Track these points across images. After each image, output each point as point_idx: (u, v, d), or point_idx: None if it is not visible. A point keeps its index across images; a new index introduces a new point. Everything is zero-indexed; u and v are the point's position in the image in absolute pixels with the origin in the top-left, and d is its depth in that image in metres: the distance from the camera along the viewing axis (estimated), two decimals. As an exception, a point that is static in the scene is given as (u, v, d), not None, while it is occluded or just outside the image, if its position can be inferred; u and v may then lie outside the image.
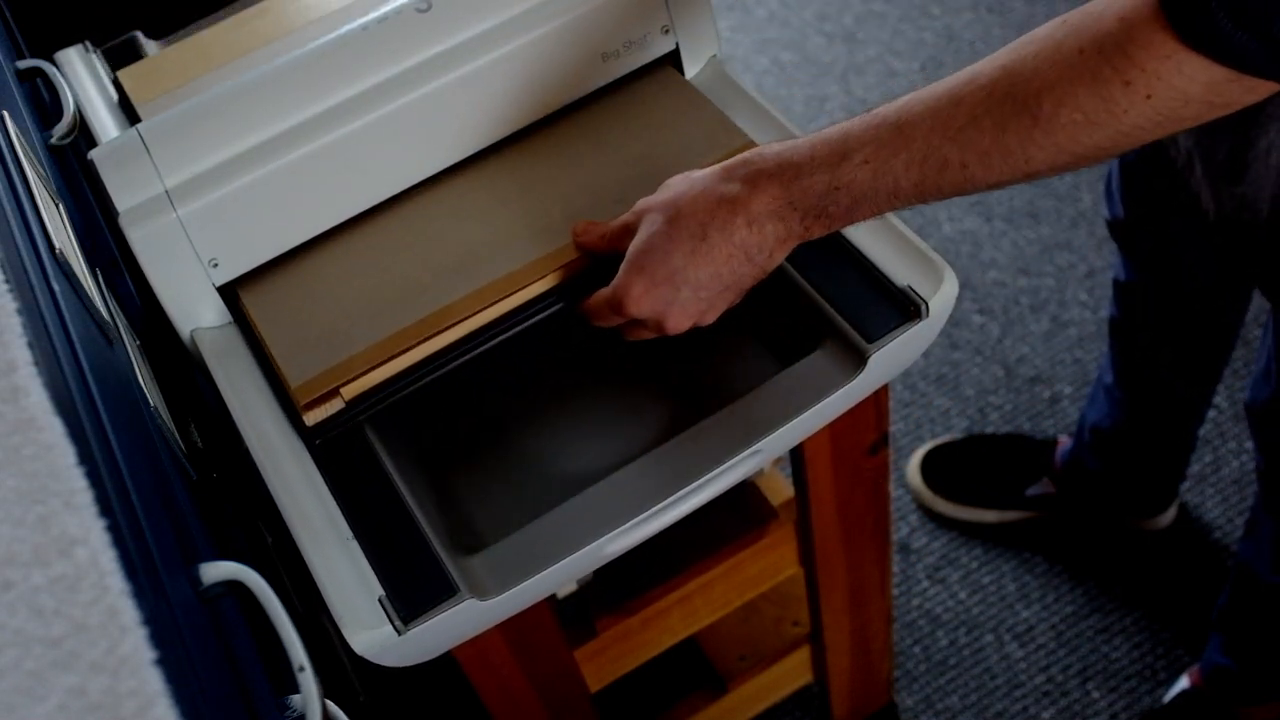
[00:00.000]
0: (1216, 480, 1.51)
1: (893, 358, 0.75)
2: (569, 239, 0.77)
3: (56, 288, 0.52)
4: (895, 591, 1.45)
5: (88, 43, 0.94)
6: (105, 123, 0.87)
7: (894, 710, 1.36)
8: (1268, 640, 1.24)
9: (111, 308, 0.69)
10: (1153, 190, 1.08)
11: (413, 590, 0.67)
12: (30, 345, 0.41)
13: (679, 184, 0.70)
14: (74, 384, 0.45)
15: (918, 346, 0.76)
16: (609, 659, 1.02)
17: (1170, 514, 1.47)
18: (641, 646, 1.03)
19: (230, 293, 0.80)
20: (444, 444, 0.84)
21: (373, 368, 0.74)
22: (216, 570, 0.50)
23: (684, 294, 0.69)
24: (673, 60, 0.87)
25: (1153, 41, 0.56)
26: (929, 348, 1.05)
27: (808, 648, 1.18)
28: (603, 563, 0.73)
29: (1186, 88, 0.57)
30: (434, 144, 0.82)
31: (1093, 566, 1.45)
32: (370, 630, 0.65)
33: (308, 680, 0.47)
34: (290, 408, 0.75)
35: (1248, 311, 1.24)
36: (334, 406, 0.74)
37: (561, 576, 0.70)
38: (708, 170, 0.69)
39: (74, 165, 0.85)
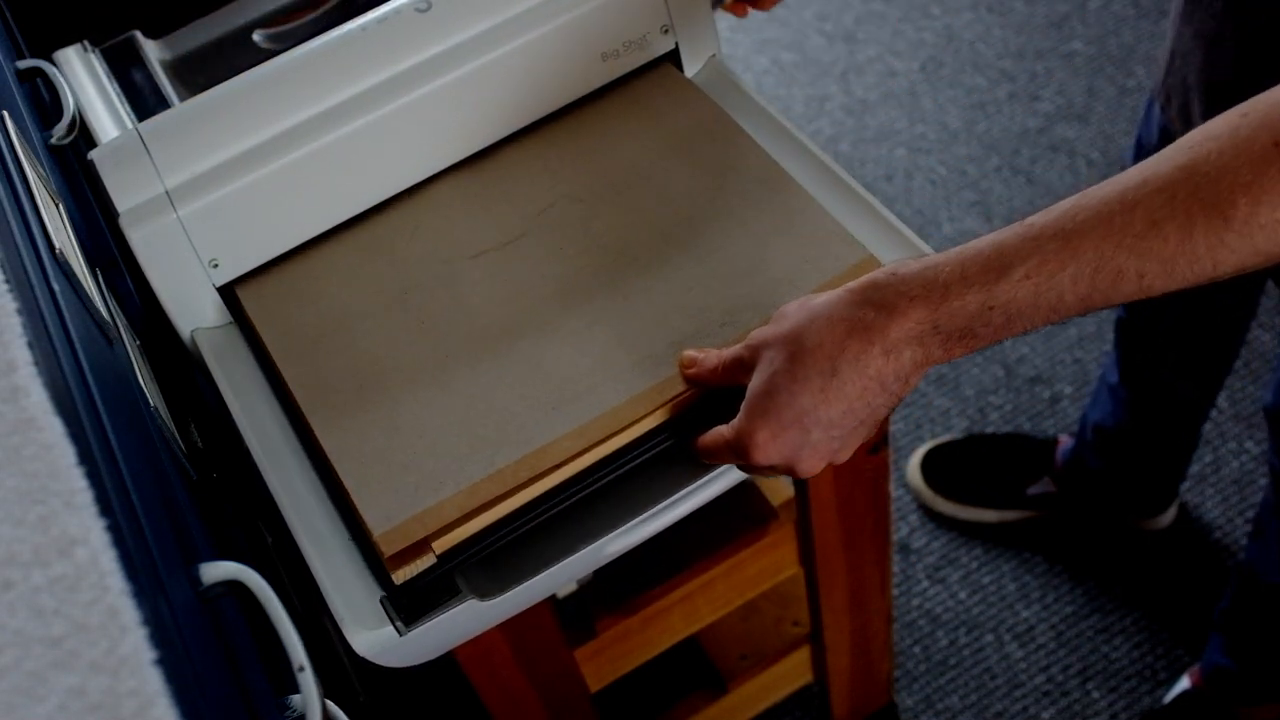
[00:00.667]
0: (1216, 480, 1.51)
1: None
2: (675, 369, 0.71)
3: (56, 288, 0.52)
4: (895, 591, 1.45)
5: (87, 42, 0.94)
6: (105, 123, 0.87)
7: (894, 710, 1.36)
8: (1270, 642, 1.24)
9: (111, 308, 0.69)
10: None
11: (414, 591, 0.67)
12: (30, 345, 0.40)
13: (798, 314, 0.63)
14: (74, 384, 0.45)
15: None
16: (609, 659, 1.02)
17: (1170, 514, 1.47)
18: (641, 646, 1.03)
19: (230, 293, 0.80)
20: None
21: (467, 516, 0.67)
22: (216, 570, 0.50)
23: (815, 436, 0.62)
24: (672, 60, 0.87)
25: None
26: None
27: (808, 648, 1.19)
28: (603, 563, 0.73)
29: None
30: (434, 144, 0.82)
31: (1093, 566, 1.45)
32: (371, 631, 0.65)
33: (308, 680, 0.47)
34: (291, 408, 0.75)
35: (1256, 315, 1.24)
36: (425, 562, 0.67)
37: (562, 577, 0.70)
38: (831, 296, 0.62)
39: (74, 165, 0.85)
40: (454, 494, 0.66)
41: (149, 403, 0.64)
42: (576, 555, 0.69)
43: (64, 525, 0.36)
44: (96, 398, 0.47)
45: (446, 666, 0.80)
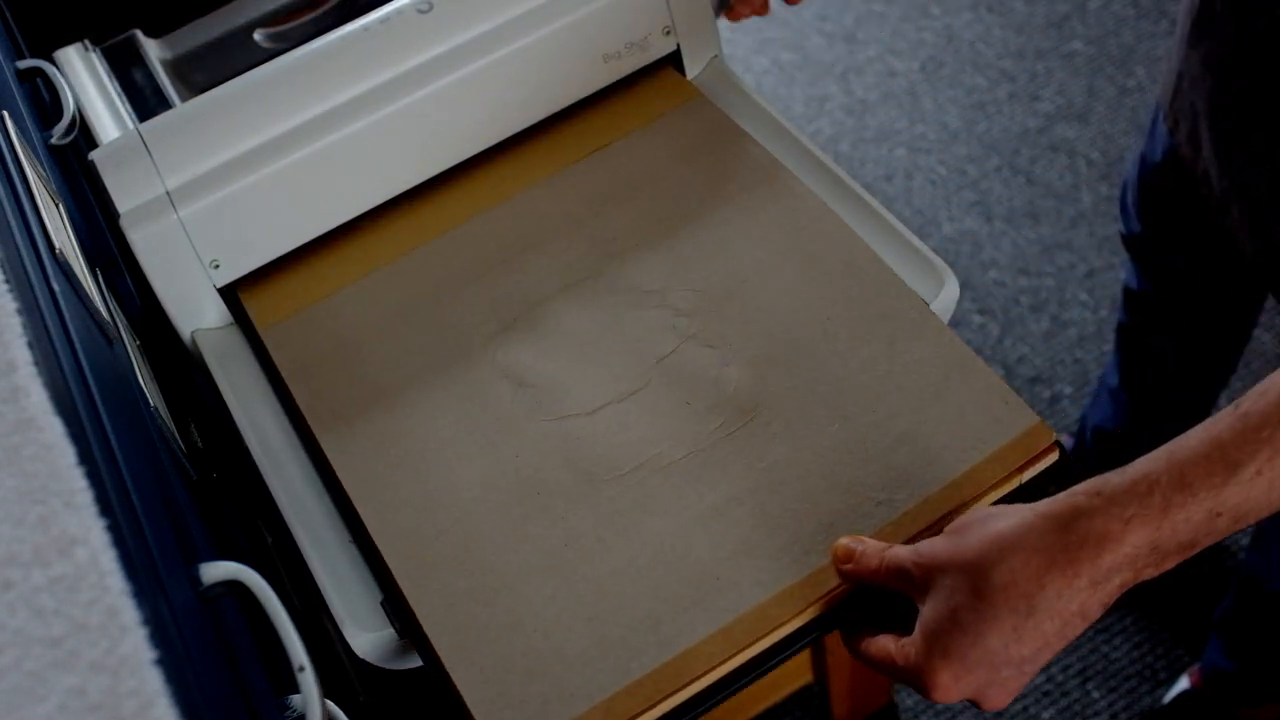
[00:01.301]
0: (1216, 480, 1.51)
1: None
2: (826, 559, 0.62)
3: (56, 288, 0.52)
4: (895, 592, 1.45)
5: (87, 41, 0.94)
6: (106, 123, 0.87)
7: (894, 710, 1.36)
8: (1270, 646, 1.23)
9: (111, 308, 0.69)
10: (1174, 211, 1.06)
11: None
12: (30, 345, 0.41)
13: (981, 540, 0.54)
14: (74, 384, 0.45)
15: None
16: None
17: (1170, 514, 1.47)
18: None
19: (231, 293, 0.80)
20: None
21: None
22: (216, 570, 0.50)
23: (1004, 674, 0.54)
24: (674, 61, 0.87)
25: None
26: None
27: (808, 648, 1.18)
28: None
29: None
30: (435, 144, 0.82)
31: (1093, 567, 1.45)
32: (372, 633, 0.65)
33: (308, 680, 0.47)
34: (291, 408, 0.75)
35: (1259, 319, 1.24)
36: None
37: None
38: (1024, 523, 0.54)
39: (74, 165, 0.85)
40: (588, 709, 0.59)
41: (149, 403, 0.64)
42: None
43: (64, 525, 0.36)
44: (96, 398, 0.47)
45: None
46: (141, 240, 0.75)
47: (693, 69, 0.88)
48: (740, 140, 0.81)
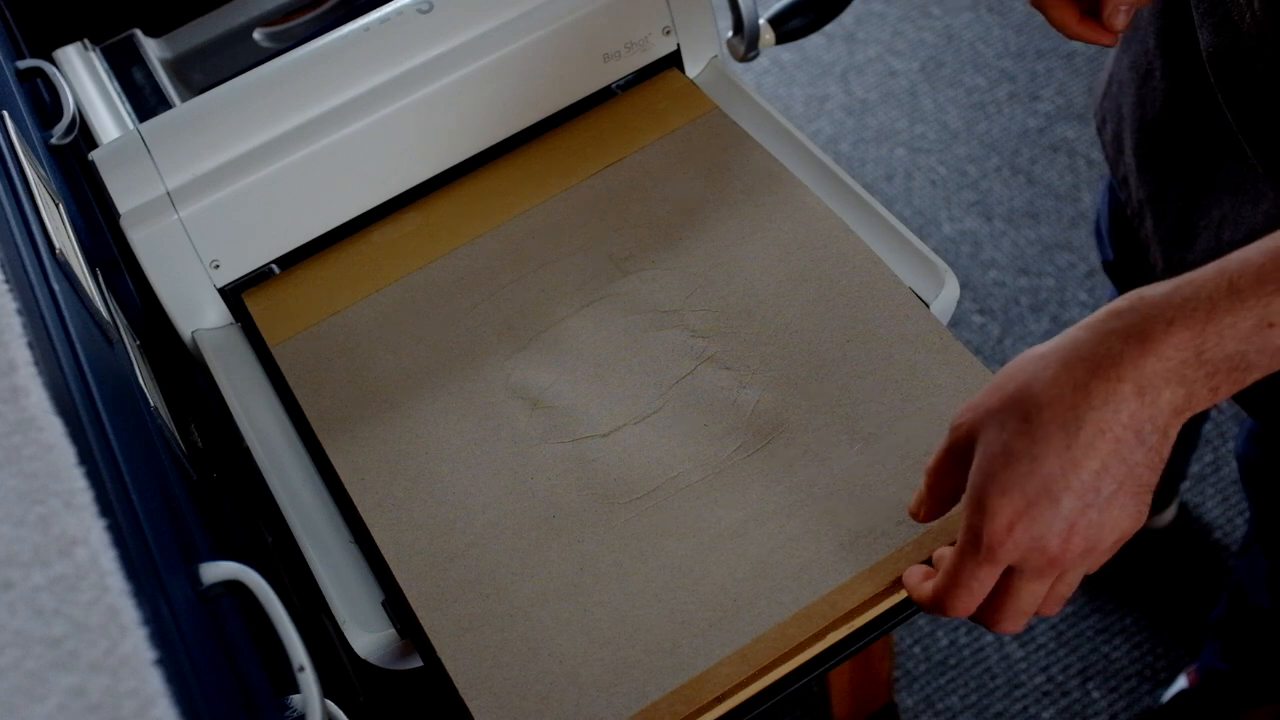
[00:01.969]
0: (1216, 480, 1.51)
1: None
2: (846, 577, 0.61)
3: (56, 288, 0.52)
4: (895, 591, 1.45)
5: (87, 41, 0.94)
6: (106, 123, 0.87)
7: (894, 710, 1.36)
8: (1263, 652, 1.24)
9: (111, 308, 0.69)
10: (1137, 240, 1.06)
11: None
12: (30, 345, 0.41)
13: (1020, 368, 0.52)
14: (74, 384, 0.45)
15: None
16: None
17: (1170, 513, 1.47)
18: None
19: (232, 294, 0.80)
20: None
21: None
22: (216, 570, 0.50)
23: (1067, 506, 0.50)
24: (674, 61, 0.87)
25: None
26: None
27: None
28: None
29: None
30: (436, 144, 0.82)
31: (1093, 567, 1.45)
32: (373, 633, 0.65)
33: (308, 680, 0.47)
34: (292, 408, 0.75)
35: None
36: None
37: None
38: (1062, 336, 0.51)
39: (74, 165, 0.85)
40: None
41: (149, 403, 0.64)
42: None
43: (64, 525, 0.36)
44: (96, 398, 0.47)
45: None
46: (141, 240, 0.75)
47: (693, 69, 0.88)
48: (757, 155, 0.80)
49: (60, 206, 0.68)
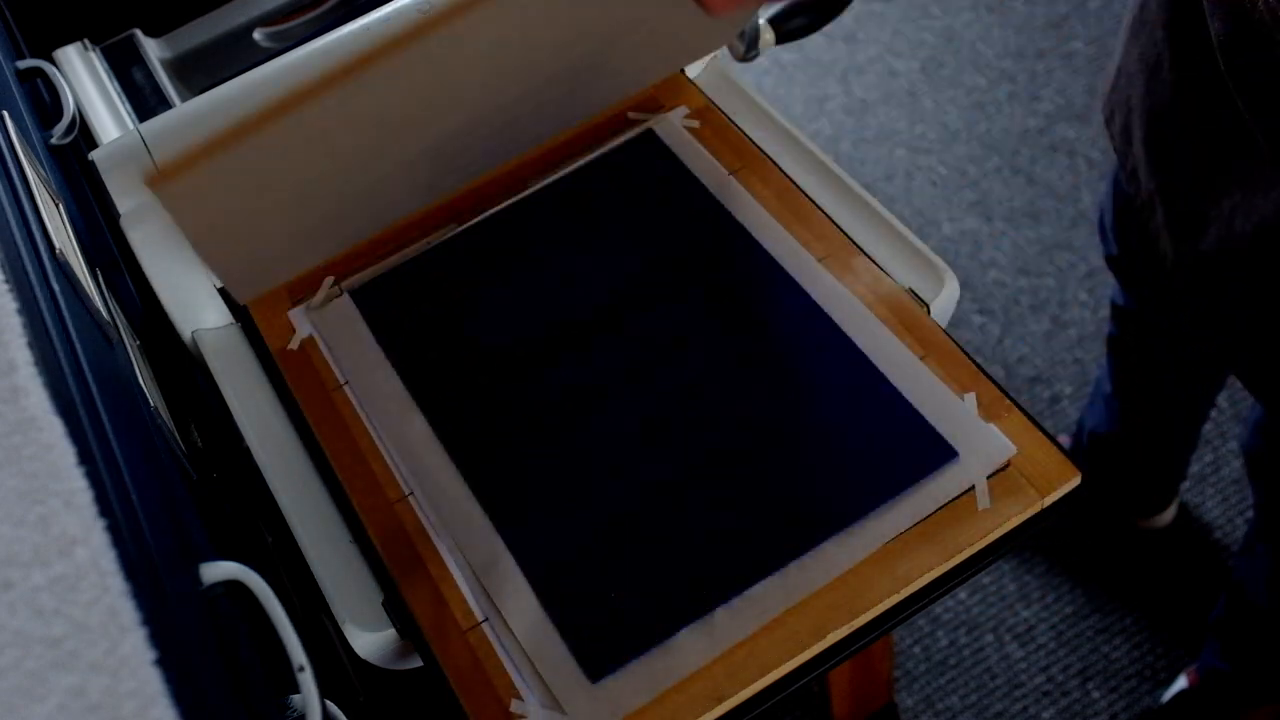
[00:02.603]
0: (1216, 480, 1.51)
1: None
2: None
3: (56, 288, 0.52)
4: (895, 591, 1.45)
5: (87, 41, 0.94)
6: (106, 122, 0.87)
7: (894, 710, 1.36)
8: (1262, 652, 1.24)
9: (111, 308, 0.69)
10: (1146, 232, 1.07)
11: None
12: (30, 345, 0.41)
13: None
14: (74, 384, 0.45)
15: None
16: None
17: (1170, 513, 1.47)
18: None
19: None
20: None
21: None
22: (216, 570, 0.50)
23: None
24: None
25: None
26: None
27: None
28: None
29: None
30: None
31: (1093, 566, 1.45)
32: (372, 632, 0.65)
33: (308, 680, 0.47)
34: (292, 407, 0.75)
35: None
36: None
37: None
38: None
39: (74, 165, 0.85)
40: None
41: (149, 403, 0.64)
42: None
43: (64, 525, 0.36)
44: (96, 398, 0.47)
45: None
46: (142, 240, 0.75)
47: (693, 68, 0.88)
48: None
49: (60, 206, 0.68)
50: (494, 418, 0.71)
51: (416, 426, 0.71)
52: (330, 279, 0.78)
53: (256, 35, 0.97)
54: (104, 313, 0.63)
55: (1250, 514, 1.46)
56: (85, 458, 0.38)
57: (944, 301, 0.73)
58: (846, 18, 2.05)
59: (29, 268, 0.50)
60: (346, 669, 0.86)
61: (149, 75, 0.92)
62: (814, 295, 0.73)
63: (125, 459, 0.45)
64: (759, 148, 0.81)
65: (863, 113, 1.93)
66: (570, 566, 0.65)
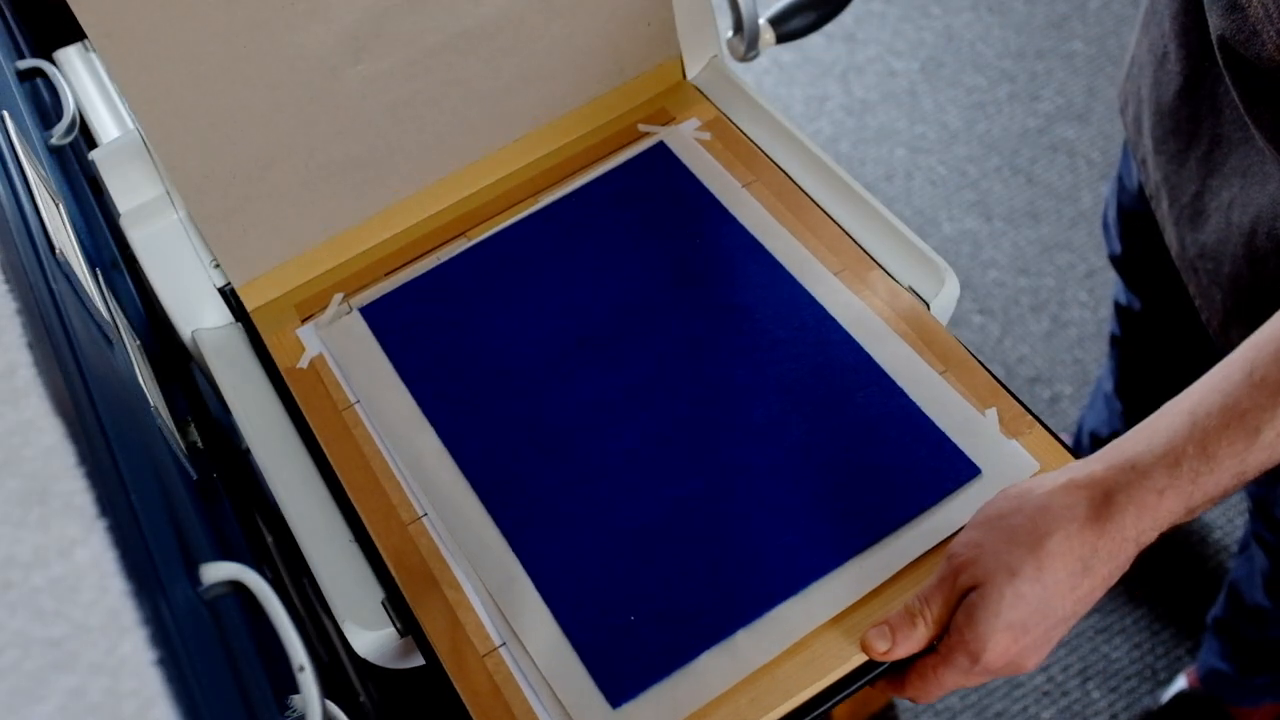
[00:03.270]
0: (1216, 480, 1.51)
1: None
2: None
3: (56, 288, 0.52)
4: (895, 591, 1.45)
5: (87, 41, 0.94)
6: (106, 122, 0.87)
7: (894, 710, 1.36)
8: (1262, 651, 1.24)
9: (111, 308, 0.69)
10: (1151, 230, 1.07)
11: None
12: (30, 346, 0.41)
13: (1027, 516, 0.57)
14: (74, 384, 0.45)
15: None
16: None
17: (1170, 514, 1.47)
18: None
19: (232, 293, 0.80)
20: None
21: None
22: (216, 570, 0.50)
23: (1058, 631, 0.58)
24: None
25: None
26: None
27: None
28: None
29: None
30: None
31: (1093, 566, 1.45)
32: (373, 632, 0.65)
33: (308, 680, 0.47)
34: (291, 407, 0.75)
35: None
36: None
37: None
38: (1064, 499, 0.56)
39: (74, 165, 0.85)
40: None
41: (149, 403, 0.64)
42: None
43: (64, 526, 0.36)
44: (96, 398, 0.47)
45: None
46: (142, 240, 0.75)
47: (693, 69, 0.88)
48: None
49: (60, 206, 0.68)
50: (507, 435, 0.70)
51: (429, 445, 0.70)
52: (340, 295, 0.78)
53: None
54: (104, 313, 0.63)
55: (1244, 529, 1.46)
56: (85, 458, 0.38)
57: (944, 301, 0.73)
58: (846, 18, 2.05)
59: (29, 268, 0.50)
60: (346, 669, 0.86)
61: (149, 75, 0.92)
62: (830, 310, 0.72)
63: (125, 459, 0.45)
64: (768, 155, 0.81)
65: (863, 113, 1.93)
66: (588, 588, 0.63)
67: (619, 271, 0.76)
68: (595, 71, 0.83)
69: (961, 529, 0.61)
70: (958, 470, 0.65)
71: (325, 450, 0.71)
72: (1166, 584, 1.44)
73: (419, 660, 0.66)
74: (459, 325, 0.75)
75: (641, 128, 0.84)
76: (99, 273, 0.72)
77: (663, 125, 0.84)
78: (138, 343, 0.75)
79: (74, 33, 0.94)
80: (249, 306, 0.78)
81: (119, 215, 0.75)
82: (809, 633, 0.61)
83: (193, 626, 0.43)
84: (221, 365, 0.78)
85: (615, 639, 0.61)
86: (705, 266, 0.76)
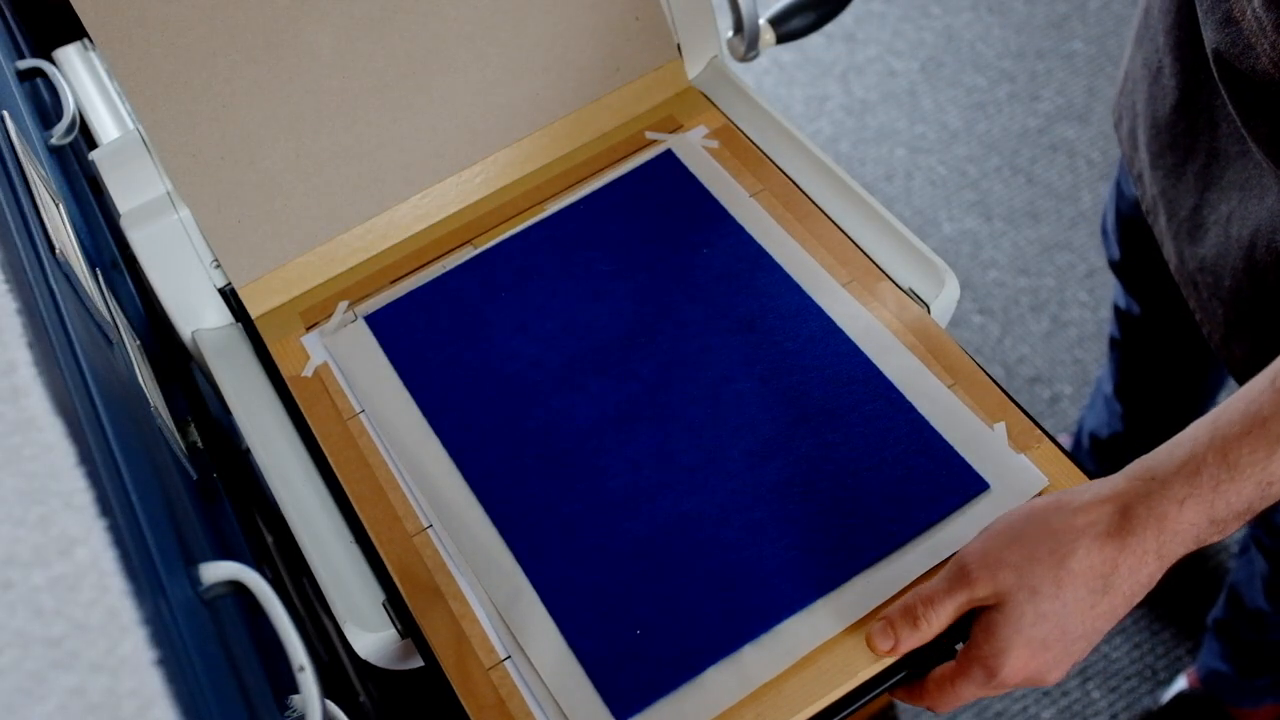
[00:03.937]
0: (1216, 480, 1.51)
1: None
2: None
3: (56, 288, 0.52)
4: (895, 591, 1.45)
5: (87, 41, 0.94)
6: (106, 122, 0.87)
7: (894, 710, 1.36)
8: (1262, 653, 1.24)
9: (111, 308, 0.69)
10: (1150, 238, 1.06)
11: None
12: (30, 345, 0.41)
13: (1048, 533, 0.56)
14: (74, 384, 0.45)
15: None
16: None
17: (1171, 514, 1.47)
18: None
19: (232, 293, 0.80)
20: None
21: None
22: (216, 570, 0.50)
23: (1077, 647, 0.58)
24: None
25: None
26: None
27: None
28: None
29: None
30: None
31: (1093, 567, 1.45)
32: (373, 632, 0.65)
33: (308, 680, 0.47)
34: (291, 407, 0.75)
35: None
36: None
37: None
38: (1086, 514, 0.56)
39: (74, 165, 0.85)
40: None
41: (149, 403, 0.64)
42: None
43: (64, 525, 0.36)
44: (96, 398, 0.47)
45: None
46: (142, 240, 0.75)
47: (693, 69, 0.88)
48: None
49: (60, 206, 0.68)
50: (513, 446, 0.70)
51: (434, 456, 0.70)
52: (345, 303, 0.78)
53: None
54: (104, 313, 0.63)
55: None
56: (85, 458, 0.38)
57: (944, 301, 0.73)
58: (846, 18, 2.05)
59: (29, 268, 0.50)
60: (346, 669, 0.86)
61: (149, 75, 0.92)
62: (838, 321, 0.71)
63: (125, 459, 0.45)
64: (773, 160, 0.81)
65: (863, 113, 1.93)
66: (594, 601, 0.63)
67: (626, 281, 0.76)
68: (589, 69, 0.82)
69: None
70: (966, 485, 0.64)
71: (330, 459, 0.71)
72: (1167, 584, 1.44)
73: (419, 662, 0.66)
74: (465, 334, 0.75)
75: (649, 135, 0.83)
76: (99, 273, 0.72)
77: (670, 133, 0.83)
78: (138, 343, 0.75)
79: (74, 32, 0.94)
80: (253, 313, 0.77)
81: (119, 215, 0.75)
82: (815, 648, 0.60)
83: (192, 626, 0.43)
84: (221, 365, 0.78)
85: (621, 653, 0.61)
86: (713, 277, 0.75)
